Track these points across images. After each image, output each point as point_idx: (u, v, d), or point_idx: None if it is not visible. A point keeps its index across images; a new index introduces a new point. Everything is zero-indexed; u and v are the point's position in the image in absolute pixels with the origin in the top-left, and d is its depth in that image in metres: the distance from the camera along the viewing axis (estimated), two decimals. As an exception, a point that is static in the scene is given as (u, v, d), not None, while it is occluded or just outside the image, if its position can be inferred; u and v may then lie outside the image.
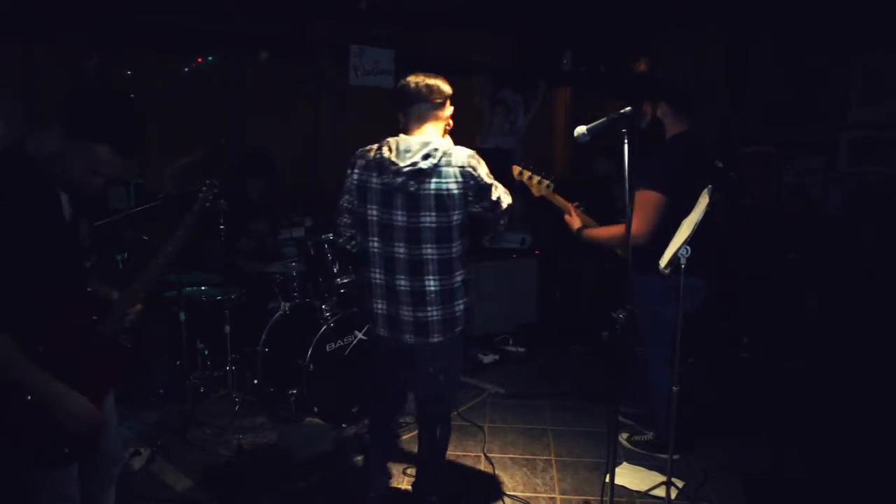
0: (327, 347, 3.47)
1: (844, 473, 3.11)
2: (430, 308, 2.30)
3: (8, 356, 1.51)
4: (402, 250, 2.27)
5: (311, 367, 3.36)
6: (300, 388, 3.40)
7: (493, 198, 2.34)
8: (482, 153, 2.70)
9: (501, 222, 2.49)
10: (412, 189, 2.22)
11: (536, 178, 3.04)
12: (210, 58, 4.62)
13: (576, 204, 3.11)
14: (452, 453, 3.30)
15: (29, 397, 1.57)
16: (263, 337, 3.64)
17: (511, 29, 5.95)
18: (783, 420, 3.68)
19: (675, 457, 2.88)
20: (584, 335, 5.07)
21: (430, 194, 2.22)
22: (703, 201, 2.63)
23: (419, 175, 2.21)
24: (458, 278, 2.35)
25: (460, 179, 2.25)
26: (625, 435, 3.46)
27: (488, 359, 4.67)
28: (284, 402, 3.52)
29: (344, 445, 3.37)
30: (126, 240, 3.59)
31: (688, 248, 2.52)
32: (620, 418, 3.49)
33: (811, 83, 5.26)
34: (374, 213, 2.29)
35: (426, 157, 2.22)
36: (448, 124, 2.41)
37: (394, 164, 2.22)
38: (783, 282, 4.81)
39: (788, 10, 5.15)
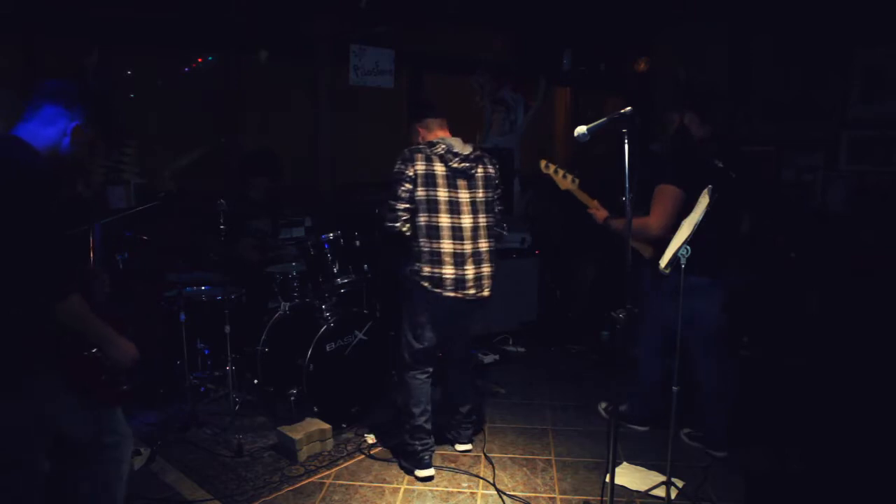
0: (327, 347, 3.47)
1: (845, 471, 3.11)
2: (484, 265, 2.96)
3: (83, 310, 1.87)
4: (466, 221, 2.92)
5: (311, 367, 3.36)
6: (300, 388, 3.40)
7: (500, 191, 3.13)
8: (482, 152, 2.94)
9: (504, 224, 3.14)
10: (472, 172, 2.96)
11: (563, 172, 3.25)
12: (210, 57, 4.62)
13: (596, 201, 3.32)
14: (452, 453, 3.31)
15: (94, 349, 1.98)
16: (263, 337, 3.64)
17: (511, 28, 5.94)
18: (784, 418, 3.68)
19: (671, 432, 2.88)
20: (584, 335, 5.08)
21: (481, 176, 3.00)
22: (703, 201, 2.63)
23: (476, 161, 2.98)
24: (495, 243, 3.07)
25: (492, 166, 3.07)
26: (603, 405, 3.76)
27: (488, 359, 4.67)
28: (284, 402, 3.52)
29: (344, 445, 3.37)
30: (126, 240, 3.59)
31: (688, 247, 2.52)
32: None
33: (812, 81, 5.26)
34: (443, 194, 2.89)
35: (474, 149, 3.00)
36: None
37: (456, 155, 2.92)
38: (783, 280, 4.81)
39: (789, 9, 5.15)
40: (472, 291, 2.92)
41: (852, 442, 3.39)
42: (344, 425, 3.54)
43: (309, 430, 3.26)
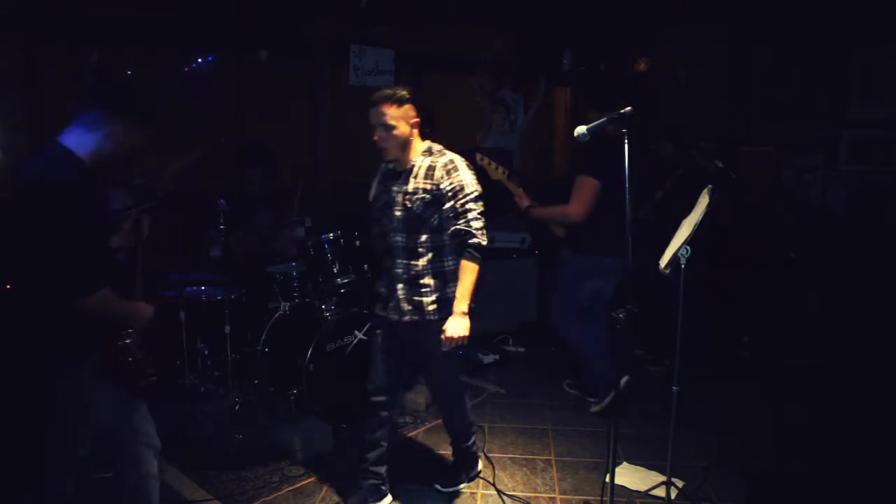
0: (327, 347, 3.47)
1: (846, 471, 3.11)
2: None
3: (108, 300, 2.00)
4: None
5: (311, 367, 3.36)
6: (300, 388, 3.40)
7: None
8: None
9: None
10: None
11: (494, 164, 3.46)
12: (210, 57, 4.62)
13: (521, 190, 3.59)
14: (451, 454, 3.30)
15: (126, 339, 2.15)
16: (263, 337, 3.64)
17: (511, 28, 5.95)
18: (784, 418, 3.68)
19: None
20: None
21: None
22: (703, 201, 2.63)
23: None
24: None
25: None
26: (592, 400, 3.87)
27: (488, 359, 4.67)
28: (284, 402, 3.52)
29: (344, 445, 3.37)
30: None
31: (688, 247, 2.52)
32: (567, 388, 4.18)
33: (812, 81, 5.26)
34: None
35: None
36: None
37: None
38: (784, 280, 4.81)
39: (789, 8, 5.15)
40: None
41: (853, 442, 3.39)
42: (344, 425, 3.54)
43: (309, 430, 3.26)
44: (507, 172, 3.49)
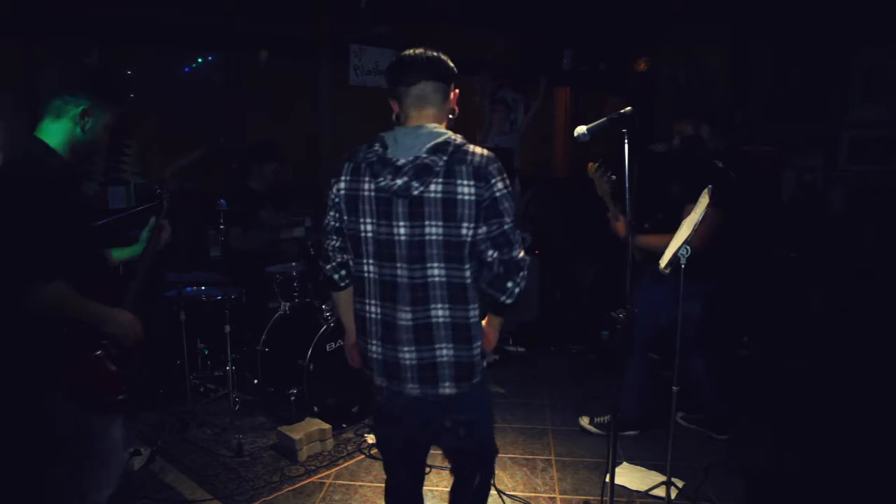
0: (327, 347, 3.47)
1: (846, 471, 3.11)
2: (437, 346, 1.83)
3: (67, 294, 1.84)
4: (404, 273, 1.79)
5: (311, 366, 3.36)
6: (300, 388, 3.41)
7: (505, 225, 1.80)
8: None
9: (509, 284, 1.83)
10: (416, 192, 1.74)
11: (607, 176, 2.96)
12: (210, 57, 4.62)
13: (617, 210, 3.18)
14: (452, 453, 3.31)
15: (98, 351, 1.97)
16: (263, 337, 3.64)
17: (512, 27, 5.95)
18: (784, 418, 3.68)
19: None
20: (584, 335, 5.08)
21: (437, 199, 1.74)
22: (703, 201, 2.63)
23: (424, 173, 1.73)
24: (474, 311, 1.87)
25: (474, 182, 1.74)
26: (585, 419, 3.61)
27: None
28: (284, 402, 3.52)
29: (344, 445, 3.37)
30: (128, 240, 3.58)
31: (687, 248, 2.52)
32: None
33: (812, 81, 5.27)
34: (370, 227, 1.82)
35: (434, 150, 1.75)
36: (454, 112, 1.92)
37: (392, 161, 1.78)
38: (783, 280, 4.81)
39: (789, 9, 5.15)
40: (411, 387, 1.85)
41: (853, 442, 3.39)
42: (344, 425, 3.54)
43: (309, 430, 3.26)
44: (613, 189, 3.01)
